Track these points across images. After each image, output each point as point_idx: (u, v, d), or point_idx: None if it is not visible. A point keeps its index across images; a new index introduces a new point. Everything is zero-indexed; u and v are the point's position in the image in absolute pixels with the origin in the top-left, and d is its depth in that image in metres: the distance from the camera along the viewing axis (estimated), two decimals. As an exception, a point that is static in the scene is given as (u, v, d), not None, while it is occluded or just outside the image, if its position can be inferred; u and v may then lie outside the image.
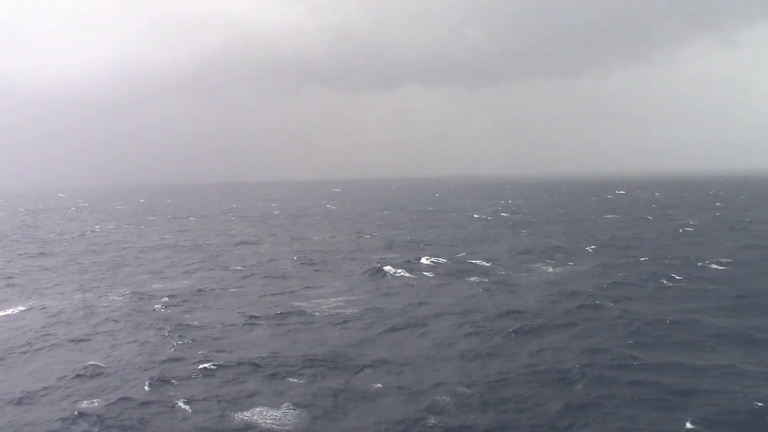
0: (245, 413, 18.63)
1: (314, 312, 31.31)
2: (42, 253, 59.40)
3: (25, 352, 26.03)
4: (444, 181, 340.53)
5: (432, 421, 17.69)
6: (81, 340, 27.33)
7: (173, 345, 25.77)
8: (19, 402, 20.24)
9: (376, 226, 79.25)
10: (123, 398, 19.87)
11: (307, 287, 38.11)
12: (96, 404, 19.54)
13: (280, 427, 17.69)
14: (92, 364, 23.34)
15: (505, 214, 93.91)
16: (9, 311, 34.11)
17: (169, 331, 27.81)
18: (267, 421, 18.06)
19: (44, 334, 28.54)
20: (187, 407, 19.11)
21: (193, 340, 26.45)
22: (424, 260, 46.66)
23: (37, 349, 26.31)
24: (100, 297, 36.00)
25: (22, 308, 34.63)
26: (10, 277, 45.53)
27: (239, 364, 23.01)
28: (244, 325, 29.20)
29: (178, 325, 29.17)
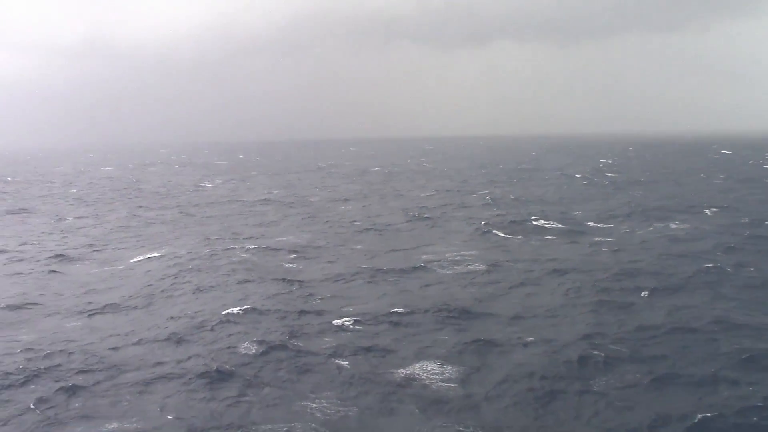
0: (396, 368, 18.94)
1: (436, 268, 31.61)
2: (160, 206, 62.32)
3: (168, 297, 27.55)
4: (535, 140, 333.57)
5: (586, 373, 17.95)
6: (214, 288, 28.54)
7: (305, 298, 26.63)
8: (173, 340, 21.47)
9: (477, 184, 78.73)
10: (271, 346, 20.69)
11: (424, 244, 38.37)
12: (245, 349, 20.40)
13: (434, 382, 17.95)
14: (231, 312, 24.36)
15: (608, 174, 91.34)
16: (139, 258, 36.02)
17: (299, 285, 28.72)
18: (419, 375, 18.36)
19: (179, 281, 29.99)
20: (337, 360, 19.61)
21: (323, 295, 27.16)
22: (533, 218, 46.15)
23: (176, 295, 27.72)
24: (225, 249, 37.40)
25: (150, 256, 36.43)
26: (129, 228, 48.07)
27: (375, 318, 23.45)
28: (370, 280, 29.72)
29: (306, 279, 30.01)
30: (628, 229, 41.34)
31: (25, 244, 41.47)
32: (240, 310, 24.50)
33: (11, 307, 26.33)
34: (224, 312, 24.21)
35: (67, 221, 52.37)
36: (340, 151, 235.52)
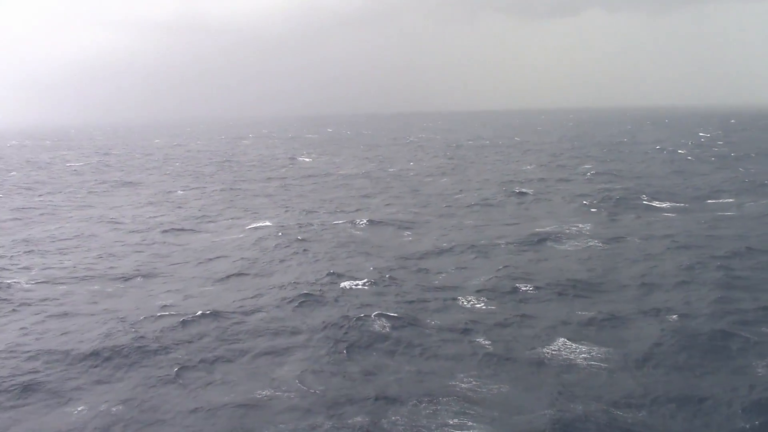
0: (531, 345, 18.55)
1: (551, 242, 30.89)
2: (260, 179, 63.70)
3: (287, 266, 28.04)
4: (628, 112, 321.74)
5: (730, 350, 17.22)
6: (330, 259, 28.68)
7: (423, 273, 26.50)
8: (301, 309, 21.77)
9: (573, 158, 76.51)
10: (400, 321, 20.56)
11: (532, 218, 37.56)
12: (374, 322, 20.25)
13: (573, 360, 17.45)
14: (353, 285, 24.43)
15: (713, 148, 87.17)
16: (251, 226, 36.78)
17: (414, 259, 28.66)
18: (557, 352, 17.88)
19: (292, 251, 30.31)
20: (472, 337, 19.29)
21: (441, 270, 26.91)
22: (642, 194, 44.50)
23: (294, 265, 27.94)
24: (333, 222, 37.72)
25: (258, 225, 37.17)
26: (234, 200, 49.27)
27: (501, 293, 23.13)
28: (486, 254, 29.24)
29: (421, 253, 29.88)
30: (747, 204, 39.30)
31: (140, 216, 43.16)
32: (361, 282, 24.60)
33: (140, 276, 27.39)
34: (345, 284, 24.40)
35: (176, 193, 54.15)
36: (428, 124, 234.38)
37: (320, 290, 23.66)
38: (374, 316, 20.57)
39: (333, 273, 25.71)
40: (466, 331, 19.60)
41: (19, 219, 42.13)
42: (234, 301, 23.00)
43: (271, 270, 27.39)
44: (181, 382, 16.80)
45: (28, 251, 32.02)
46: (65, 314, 22.22)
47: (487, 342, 18.79)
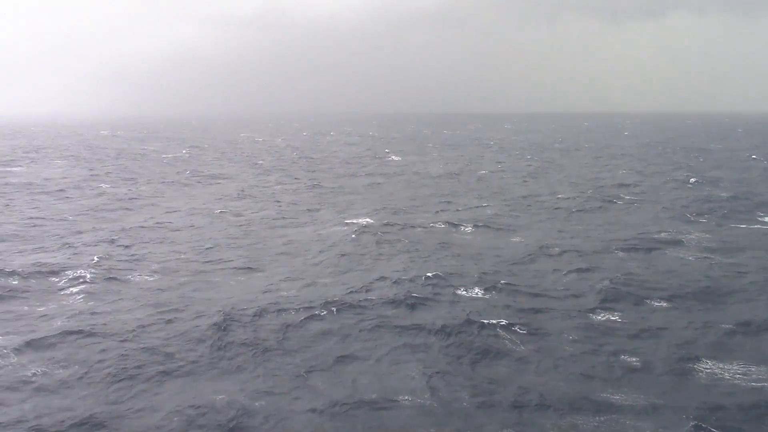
0: (692, 362, 17.71)
1: (668, 249, 30.15)
2: (353, 175, 64.47)
3: (388, 259, 28.22)
4: (716, 118, 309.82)
5: None
6: (432, 256, 28.75)
7: (536, 274, 26.10)
8: (409, 301, 21.69)
9: (667, 164, 73.85)
10: (526, 325, 20.18)
11: (637, 224, 36.38)
12: (496, 324, 19.99)
13: (728, 369, 16.84)
14: (465, 286, 24.37)
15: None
16: (346, 222, 36.94)
17: (523, 261, 28.25)
18: (722, 375, 17.13)
19: (393, 248, 30.50)
20: (619, 351, 18.84)
21: (559, 272, 26.50)
22: (753, 204, 42.64)
23: (394, 261, 28.02)
24: (433, 221, 37.64)
25: (355, 222, 37.32)
26: (325, 195, 49.82)
27: (637, 301, 22.58)
28: (601, 258, 28.66)
29: (529, 255, 29.34)
30: None
31: (241, 208, 44.25)
32: (475, 287, 24.31)
33: (251, 268, 27.95)
34: (459, 288, 24.16)
35: (272, 188, 55.16)
36: (508, 125, 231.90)
37: (433, 292, 23.45)
38: (497, 322, 20.14)
39: (442, 275, 25.44)
40: (598, 342, 19.01)
41: (130, 210, 43.70)
42: (349, 297, 23.03)
43: (379, 268, 27.39)
44: (308, 379, 16.89)
45: (144, 242, 33.08)
46: (186, 306, 22.72)
47: (623, 354, 18.12)
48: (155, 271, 27.24)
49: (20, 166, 73.19)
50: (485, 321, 20.25)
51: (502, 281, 24.75)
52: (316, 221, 38.89)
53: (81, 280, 25.30)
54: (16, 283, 24.82)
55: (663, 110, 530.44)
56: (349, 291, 23.85)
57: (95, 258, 28.34)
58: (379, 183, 57.97)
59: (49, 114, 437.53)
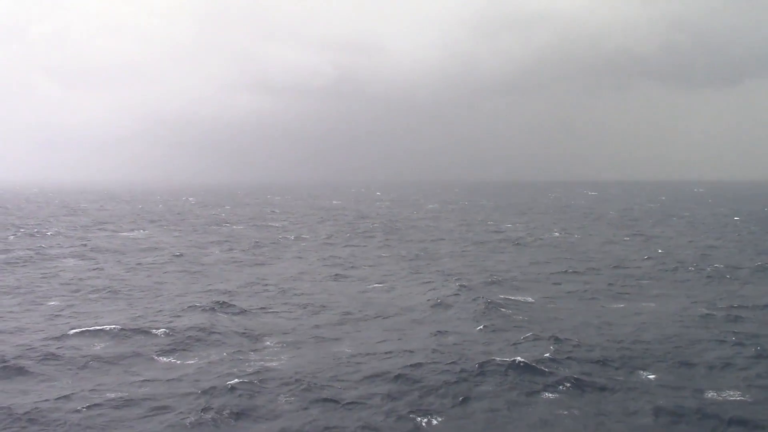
0: None
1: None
2: (438, 239, 66.45)
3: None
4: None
5: None
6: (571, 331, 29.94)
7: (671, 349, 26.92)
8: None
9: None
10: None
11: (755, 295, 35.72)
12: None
13: None
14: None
15: None
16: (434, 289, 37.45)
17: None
18: None
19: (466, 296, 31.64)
20: None
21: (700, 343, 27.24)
22: None
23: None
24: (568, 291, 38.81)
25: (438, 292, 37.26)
26: (417, 259, 51.54)
27: None
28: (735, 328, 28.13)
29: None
30: None
31: (352, 267, 46.63)
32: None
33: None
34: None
35: (372, 252, 57.50)
36: (588, 191, 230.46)
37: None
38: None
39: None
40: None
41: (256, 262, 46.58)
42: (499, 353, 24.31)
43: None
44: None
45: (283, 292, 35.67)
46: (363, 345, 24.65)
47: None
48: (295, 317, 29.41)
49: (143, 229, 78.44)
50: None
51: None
52: (398, 287, 40.29)
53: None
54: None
55: (740, 179, 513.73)
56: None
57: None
58: (474, 248, 59.10)
59: (141, 182, 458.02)
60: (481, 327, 28.07)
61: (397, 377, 21.22)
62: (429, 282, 40.20)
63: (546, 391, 20.25)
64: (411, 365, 22.35)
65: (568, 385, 20.59)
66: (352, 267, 47.55)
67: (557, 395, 19.97)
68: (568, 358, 23.14)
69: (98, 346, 25.35)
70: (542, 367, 21.90)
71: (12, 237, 65.91)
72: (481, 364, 22.18)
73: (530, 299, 34.38)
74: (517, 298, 34.38)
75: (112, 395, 19.90)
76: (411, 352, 24.31)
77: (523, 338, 25.73)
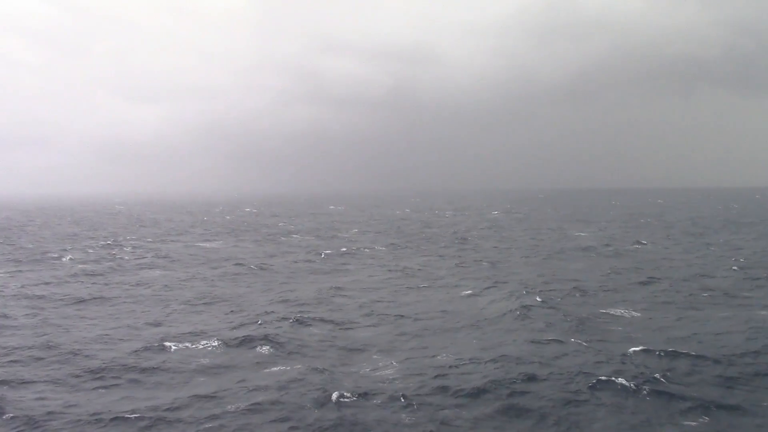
0: None
1: None
2: (509, 247, 65.60)
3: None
4: None
5: None
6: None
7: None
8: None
9: None
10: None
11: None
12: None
13: None
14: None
15: None
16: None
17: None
18: None
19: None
20: None
21: None
22: None
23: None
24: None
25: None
26: (480, 267, 51.03)
27: None
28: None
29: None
30: None
31: (428, 277, 46.51)
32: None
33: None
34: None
35: (434, 257, 57.32)
36: (653, 199, 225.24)
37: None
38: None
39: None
40: None
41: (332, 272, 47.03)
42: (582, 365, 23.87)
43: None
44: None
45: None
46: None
47: None
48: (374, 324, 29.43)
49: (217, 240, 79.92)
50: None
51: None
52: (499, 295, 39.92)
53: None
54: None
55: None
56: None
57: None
58: (543, 261, 58.35)
59: (201, 194, 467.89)
60: (578, 339, 27.23)
61: (510, 393, 20.87)
62: (512, 292, 39.57)
63: (675, 412, 19.27)
64: (516, 380, 22.03)
65: (697, 405, 19.64)
66: (428, 277, 47.40)
67: (685, 419, 18.88)
68: (689, 374, 22.41)
69: (201, 356, 25.89)
70: (663, 387, 20.96)
71: (91, 250, 67.88)
72: (593, 385, 21.26)
73: (622, 309, 33.61)
74: (608, 309, 33.67)
75: (231, 407, 20.21)
76: (511, 364, 23.94)
77: (632, 351, 24.95)
